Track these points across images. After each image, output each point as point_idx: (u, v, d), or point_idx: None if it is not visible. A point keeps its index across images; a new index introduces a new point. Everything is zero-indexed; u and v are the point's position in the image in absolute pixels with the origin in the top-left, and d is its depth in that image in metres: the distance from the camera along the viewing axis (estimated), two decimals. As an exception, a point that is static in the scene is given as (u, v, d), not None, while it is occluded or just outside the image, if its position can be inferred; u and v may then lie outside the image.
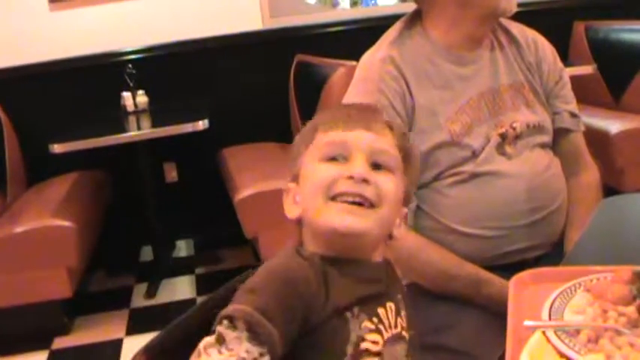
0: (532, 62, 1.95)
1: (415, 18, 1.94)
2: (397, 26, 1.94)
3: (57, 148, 3.67)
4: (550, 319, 1.10)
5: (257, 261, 3.89)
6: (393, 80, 1.82)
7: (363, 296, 1.13)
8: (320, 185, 1.15)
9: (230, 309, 1.02)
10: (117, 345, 3.53)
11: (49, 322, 3.72)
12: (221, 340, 0.99)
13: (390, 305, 1.17)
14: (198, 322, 1.14)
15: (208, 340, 1.00)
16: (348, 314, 1.10)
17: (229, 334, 0.99)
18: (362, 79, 1.89)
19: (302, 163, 1.22)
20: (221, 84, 4.60)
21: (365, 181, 1.15)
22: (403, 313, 1.21)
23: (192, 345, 1.08)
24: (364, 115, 1.24)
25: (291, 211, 1.21)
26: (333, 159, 1.18)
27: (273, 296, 1.03)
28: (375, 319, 1.13)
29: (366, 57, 1.93)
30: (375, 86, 1.82)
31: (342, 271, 1.13)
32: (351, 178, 1.14)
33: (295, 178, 1.23)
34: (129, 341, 3.56)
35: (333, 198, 1.14)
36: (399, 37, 1.90)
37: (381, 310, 1.14)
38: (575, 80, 2.23)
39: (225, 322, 1.01)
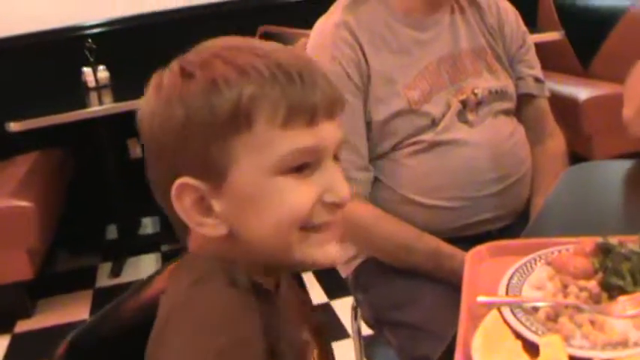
0: (494, 26, 1.88)
1: (371, -19, 1.86)
2: (352, -11, 1.86)
3: (14, 126, 3.58)
4: (507, 294, 1.04)
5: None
6: (347, 47, 1.74)
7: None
8: (295, 216, 0.87)
9: None
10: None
11: (10, 305, 3.64)
12: None
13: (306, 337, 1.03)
14: (132, 308, 1.07)
15: None
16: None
17: None
18: (316, 45, 1.81)
19: (232, 167, 0.86)
20: (184, 57, 4.50)
21: None
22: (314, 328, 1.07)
23: (122, 334, 1.02)
24: (321, 90, 0.88)
25: (210, 228, 0.89)
26: (296, 169, 0.87)
27: None
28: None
29: (320, 23, 1.85)
30: (328, 53, 1.74)
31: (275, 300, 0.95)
32: (336, 206, 0.90)
33: (198, 173, 0.87)
34: (93, 322, 3.48)
35: (306, 227, 0.89)
36: (354, 2, 1.82)
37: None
38: (543, 47, 2.18)
39: None
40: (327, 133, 0.89)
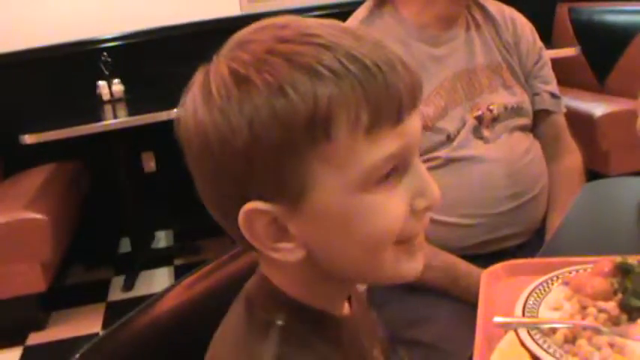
0: (510, 41, 1.86)
1: (386, -4, 1.84)
2: (367, 5, 1.84)
3: (28, 139, 3.58)
4: (524, 315, 1.02)
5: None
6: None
7: None
8: (388, 234, 0.75)
9: None
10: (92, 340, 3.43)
11: (23, 318, 3.64)
12: None
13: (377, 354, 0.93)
14: (144, 324, 1.05)
15: None
16: None
17: None
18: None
19: (310, 185, 0.73)
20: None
21: None
22: (381, 343, 0.98)
23: (133, 350, 1.00)
24: (402, 78, 0.74)
25: (285, 253, 0.77)
26: (384, 177, 0.74)
27: None
28: None
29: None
30: None
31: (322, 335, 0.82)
32: (426, 210, 0.78)
33: (270, 195, 0.74)
34: (105, 336, 3.48)
35: (398, 242, 0.78)
36: (368, 16, 1.80)
37: None
38: (558, 62, 2.16)
39: None
40: (412, 127, 0.75)
